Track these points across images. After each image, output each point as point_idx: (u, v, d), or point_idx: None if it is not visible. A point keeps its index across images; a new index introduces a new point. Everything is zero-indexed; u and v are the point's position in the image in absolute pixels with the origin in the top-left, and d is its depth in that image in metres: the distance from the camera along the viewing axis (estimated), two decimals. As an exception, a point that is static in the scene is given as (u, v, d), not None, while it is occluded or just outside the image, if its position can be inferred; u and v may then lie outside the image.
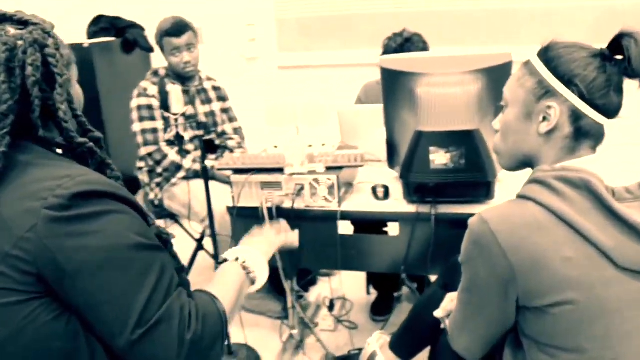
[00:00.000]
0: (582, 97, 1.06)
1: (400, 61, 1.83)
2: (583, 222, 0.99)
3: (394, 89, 1.83)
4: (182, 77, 2.82)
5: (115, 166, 1.08)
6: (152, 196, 2.85)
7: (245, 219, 1.99)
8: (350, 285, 2.87)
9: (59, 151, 1.03)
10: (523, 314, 1.08)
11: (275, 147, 2.19)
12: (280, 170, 1.95)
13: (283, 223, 1.66)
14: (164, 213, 2.87)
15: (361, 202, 1.96)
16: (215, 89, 3.00)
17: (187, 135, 2.73)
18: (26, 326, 0.87)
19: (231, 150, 2.95)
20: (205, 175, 2.14)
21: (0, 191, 0.90)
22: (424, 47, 2.54)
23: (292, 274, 2.36)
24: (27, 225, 0.86)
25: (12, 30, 0.98)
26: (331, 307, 2.68)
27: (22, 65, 0.94)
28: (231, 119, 3.02)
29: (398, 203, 1.90)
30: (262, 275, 1.28)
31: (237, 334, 2.54)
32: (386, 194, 1.94)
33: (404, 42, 2.51)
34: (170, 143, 2.73)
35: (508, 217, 1.05)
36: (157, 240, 0.99)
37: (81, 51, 3.62)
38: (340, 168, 1.94)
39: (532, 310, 1.05)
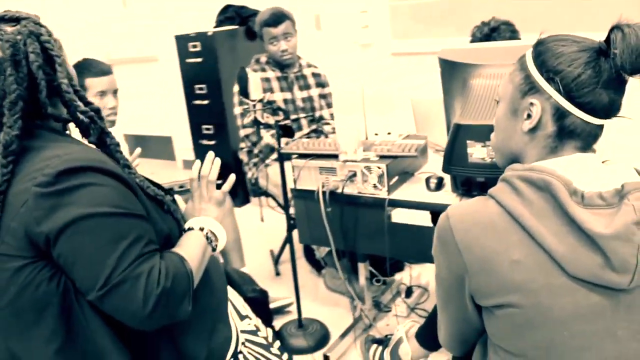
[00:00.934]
0: (565, 93, 1.01)
1: (457, 52, 1.83)
2: (537, 225, 0.96)
3: (451, 80, 1.84)
4: (281, 64, 3.02)
5: (113, 135, 1.25)
6: (249, 175, 3.09)
7: (305, 200, 2.13)
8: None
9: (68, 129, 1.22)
10: (483, 313, 1.09)
11: (376, 134, 2.27)
12: (337, 157, 2.04)
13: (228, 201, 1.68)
14: (259, 191, 3.09)
15: (413, 191, 1.99)
16: (315, 75, 3.15)
17: (268, 120, 2.91)
18: (25, 286, 1.08)
19: (326, 135, 3.09)
20: (280, 158, 2.30)
21: (13, 176, 1.09)
22: (512, 36, 2.46)
23: (365, 256, 2.46)
24: (21, 201, 1.05)
25: (8, 28, 1.14)
26: (408, 294, 2.73)
27: (26, 56, 1.11)
28: (329, 105, 3.16)
29: (447, 195, 1.91)
30: (221, 243, 1.38)
31: (311, 309, 2.70)
32: (439, 186, 1.95)
33: (490, 32, 2.45)
34: (267, 126, 2.93)
35: (467, 214, 1.05)
36: (138, 210, 1.13)
37: (205, 39, 3.97)
38: (393, 157, 1.99)
39: (484, 310, 1.06)
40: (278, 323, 2.64)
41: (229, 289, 1.68)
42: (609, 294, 0.95)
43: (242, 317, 1.61)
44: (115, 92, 2.37)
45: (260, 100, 2.31)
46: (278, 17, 2.92)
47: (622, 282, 0.94)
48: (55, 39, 1.18)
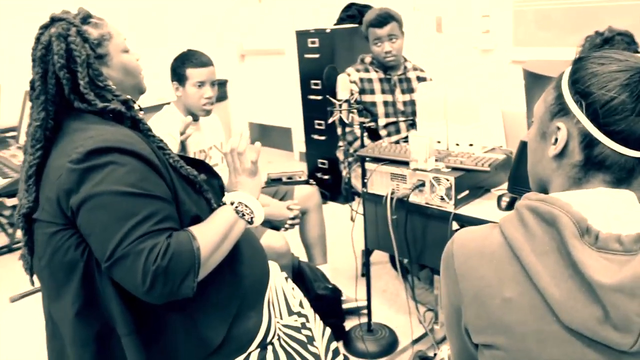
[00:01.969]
0: (594, 119, 0.90)
1: (544, 64, 1.76)
2: (535, 263, 0.87)
3: (534, 93, 1.77)
4: (385, 66, 3.02)
5: (145, 122, 1.36)
6: (343, 174, 3.13)
7: (375, 204, 2.14)
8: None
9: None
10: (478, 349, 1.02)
11: (457, 144, 2.22)
12: (408, 164, 2.03)
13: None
14: (352, 191, 3.13)
15: (482, 208, 1.93)
16: (420, 79, 3.12)
17: (354, 121, 2.92)
18: (58, 249, 1.23)
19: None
20: (362, 160, 2.32)
21: (55, 149, 1.25)
22: (627, 48, 2.26)
23: (415, 268, 2.41)
24: (57, 175, 1.20)
25: (52, 29, 1.29)
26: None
27: (52, 56, 1.26)
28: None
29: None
30: (258, 215, 1.41)
31: (386, 315, 2.69)
32: (510, 206, 1.87)
33: (602, 43, 2.27)
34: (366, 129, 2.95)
35: (471, 241, 0.98)
36: (156, 191, 1.21)
37: (323, 35, 4.08)
38: (465, 170, 1.94)
39: (478, 346, 0.99)
40: (351, 324, 2.66)
41: (288, 282, 1.74)
42: (609, 354, 0.84)
43: (291, 313, 1.65)
44: (213, 83, 2.50)
45: (347, 101, 2.35)
46: (384, 18, 2.92)
47: (623, 343, 0.82)
48: (86, 38, 1.29)
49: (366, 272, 2.51)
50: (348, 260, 3.36)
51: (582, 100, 0.92)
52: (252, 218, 1.39)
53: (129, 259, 1.14)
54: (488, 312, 0.92)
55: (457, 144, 2.18)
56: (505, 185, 2.08)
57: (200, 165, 1.49)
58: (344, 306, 2.72)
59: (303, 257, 2.82)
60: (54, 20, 1.32)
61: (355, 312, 2.78)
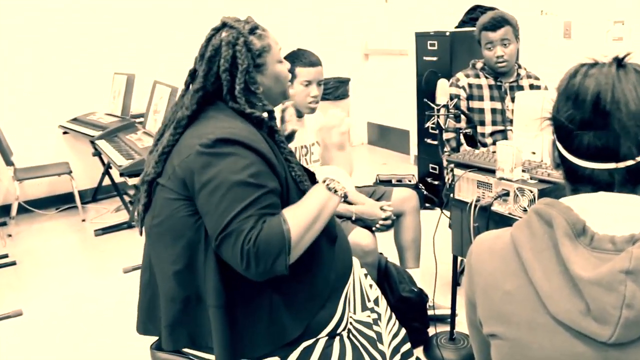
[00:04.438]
0: (556, 127, 1.01)
1: None
2: (532, 259, 0.96)
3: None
4: (495, 72, 3.03)
5: (281, 132, 1.56)
6: (447, 179, 3.19)
7: (461, 211, 2.20)
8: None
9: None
10: None
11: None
12: (494, 172, 2.07)
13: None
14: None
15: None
16: (534, 87, 3.09)
17: (450, 126, 2.95)
18: (173, 214, 1.44)
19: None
20: (455, 166, 2.39)
21: (190, 128, 1.46)
22: None
23: None
24: (187, 153, 1.39)
25: (223, 34, 1.50)
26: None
27: (219, 59, 1.47)
28: (544, 120, 3.08)
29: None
30: (347, 185, 1.48)
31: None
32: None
33: None
34: (465, 137, 2.99)
35: (487, 240, 1.08)
36: (269, 185, 1.38)
37: (443, 38, 4.13)
38: (552, 183, 1.95)
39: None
40: (437, 330, 2.71)
41: (367, 279, 1.86)
42: (596, 346, 0.90)
43: (365, 309, 1.75)
44: (319, 82, 2.67)
45: (445, 106, 2.42)
46: (497, 22, 2.92)
47: (601, 334, 0.88)
48: (250, 48, 1.49)
49: (453, 279, 2.56)
50: (444, 266, 3.40)
51: (554, 106, 1.03)
52: (345, 192, 1.48)
53: (233, 237, 1.31)
54: (492, 303, 1.02)
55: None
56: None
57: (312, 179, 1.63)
58: (432, 312, 2.79)
59: (395, 259, 2.91)
60: (225, 25, 1.54)
61: (444, 319, 2.83)
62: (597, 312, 0.89)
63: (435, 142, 4.45)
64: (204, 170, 1.36)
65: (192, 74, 1.57)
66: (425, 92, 2.41)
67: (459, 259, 2.57)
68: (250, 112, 1.49)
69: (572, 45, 4.00)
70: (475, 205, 2.07)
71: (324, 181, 1.47)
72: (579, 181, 1.02)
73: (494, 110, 3.01)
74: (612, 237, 0.93)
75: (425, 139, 4.57)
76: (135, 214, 1.57)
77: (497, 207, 2.04)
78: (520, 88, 3.06)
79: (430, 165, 4.59)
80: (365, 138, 6.79)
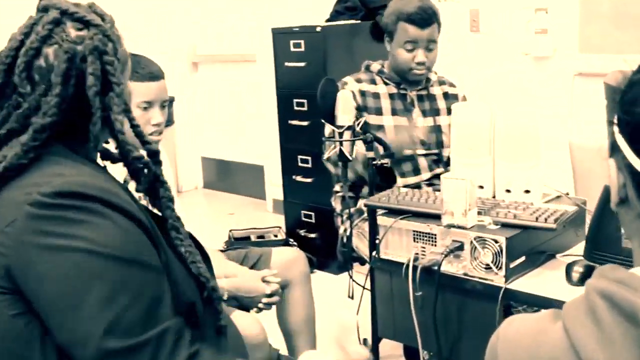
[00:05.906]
0: (634, 147, 0.95)
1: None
2: None
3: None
4: (402, 78, 3.02)
5: (169, 185, 1.42)
6: (340, 231, 3.14)
7: (391, 275, 2.14)
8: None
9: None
10: None
11: (508, 191, 2.23)
12: (439, 219, 2.03)
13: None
14: (354, 255, 3.12)
15: (546, 282, 1.94)
16: (449, 96, 3.14)
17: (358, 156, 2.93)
18: None
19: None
20: (370, 213, 2.31)
21: (15, 179, 1.24)
22: None
23: None
24: (9, 218, 1.19)
25: (72, 31, 1.30)
26: None
27: (82, 74, 1.27)
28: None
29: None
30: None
31: None
32: (585, 278, 1.86)
33: None
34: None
35: (522, 338, 1.01)
36: (150, 258, 1.27)
37: (312, 35, 4.18)
38: (521, 228, 1.95)
39: None
40: None
41: None
42: None
43: None
44: (163, 103, 2.44)
45: (350, 128, 2.35)
46: (428, 16, 2.90)
47: None
48: (119, 59, 1.34)
49: (375, 372, 2.49)
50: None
51: (624, 118, 0.97)
52: None
53: (149, 347, 1.19)
54: None
55: (508, 190, 2.20)
56: (575, 249, 2.09)
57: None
58: None
59: (282, 347, 2.80)
60: (88, 23, 1.34)
61: None
62: None
63: (309, 180, 4.42)
64: (47, 241, 1.19)
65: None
66: (311, 110, 2.33)
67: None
68: (138, 155, 1.38)
69: (481, 40, 4.19)
70: (415, 267, 2.01)
71: None
72: None
73: (397, 130, 2.99)
74: None
75: (293, 176, 4.53)
76: None
77: (447, 267, 2.02)
78: (431, 98, 3.11)
79: (303, 212, 4.57)
80: (199, 180, 6.73)
